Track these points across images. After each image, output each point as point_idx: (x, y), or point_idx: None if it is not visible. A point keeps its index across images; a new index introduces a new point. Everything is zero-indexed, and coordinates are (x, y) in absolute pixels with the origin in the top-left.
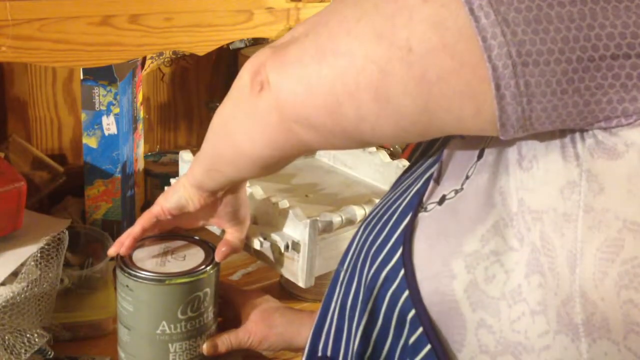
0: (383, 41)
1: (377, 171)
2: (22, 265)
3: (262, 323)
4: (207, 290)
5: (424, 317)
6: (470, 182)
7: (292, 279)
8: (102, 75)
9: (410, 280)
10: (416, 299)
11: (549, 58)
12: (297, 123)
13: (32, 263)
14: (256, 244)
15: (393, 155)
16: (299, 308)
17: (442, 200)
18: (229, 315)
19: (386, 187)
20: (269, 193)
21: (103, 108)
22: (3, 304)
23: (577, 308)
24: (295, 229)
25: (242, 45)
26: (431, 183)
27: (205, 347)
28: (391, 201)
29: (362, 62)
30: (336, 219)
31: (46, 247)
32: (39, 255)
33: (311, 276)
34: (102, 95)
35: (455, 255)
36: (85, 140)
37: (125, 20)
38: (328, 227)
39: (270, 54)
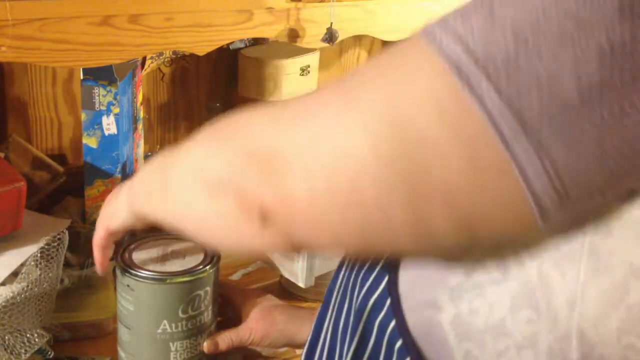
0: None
1: None
2: (22, 265)
3: (263, 320)
4: (208, 288)
5: (411, 347)
6: None
7: (292, 279)
8: (102, 75)
9: (397, 310)
10: (403, 329)
11: (587, 171)
12: (302, 238)
13: (32, 263)
14: None
15: None
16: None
17: None
18: (229, 314)
19: None
20: None
21: (103, 108)
22: (3, 304)
23: (573, 345)
24: None
25: (242, 45)
26: None
27: (206, 345)
28: None
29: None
30: None
31: (46, 247)
32: (39, 255)
33: (311, 276)
34: (102, 95)
35: (440, 286)
36: (85, 140)
37: (125, 20)
38: None
39: (262, 176)
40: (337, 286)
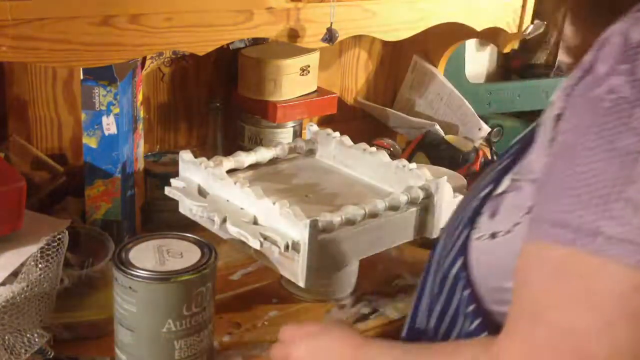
0: None
1: (377, 171)
2: (22, 265)
3: None
4: (209, 284)
5: (481, 312)
6: (520, 227)
7: (292, 279)
8: (102, 75)
9: (471, 283)
10: (475, 298)
11: None
12: None
13: (32, 263)
14: (256, 244)
15: (393, 155)
16: (299, 308)
17: (494, 236)
18: None
19: (386, 187)
20: (268, 193)
21: (103, 108)
22: (3, 304)
23: None
24: (295, 229)
25: (242, 45)
26: (486, 217)
27: None
28: (461, 207)
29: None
30: (336, 219)
31: (46, 247)
32: (39, 255)
33: (311, 276)
34: (102, 95)
35: (505, 284)
36: (85, 140)
37: (125, 20)
38: (328, 227)
39: None
40: (437, 254)
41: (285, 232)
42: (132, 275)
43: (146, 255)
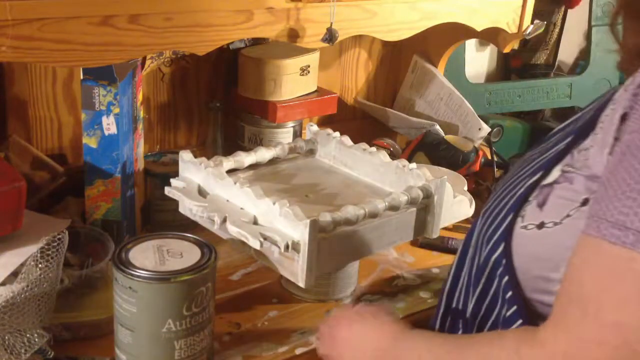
0: None
1: (377, 171)
2: (22, 265)
3: None
4: (209, 284)
5: (518, 298)
6: (570, 220)
7: (292, 279)
8: (102, 75)
9: (511, 270)
10: (513, 284)
11: None
12: None
13: (32, 263)
14: (256, 244)
15: (393, 155)
16: (299, 308)
17: (541, 226)
18: None
19: (386, 187)
20: (268, 193)
21: (103, 108)
22: (3, 304)
23: None
24: (295, 229)
25: (242, 45)
26: (534, 206)
27: None
28: (504, 192)
29: None
30: (336, 219)
31: (46, 247)
32: (39, 255)
33: (311, 276)
34: (102, 95)
35: (549, 275)
36: (85, 140)
37: (125, 20)
38: (328, 227)
39: None
40: (475, 238)
41: (285, 232)
42: (132, 275)
43: (146, 255)
